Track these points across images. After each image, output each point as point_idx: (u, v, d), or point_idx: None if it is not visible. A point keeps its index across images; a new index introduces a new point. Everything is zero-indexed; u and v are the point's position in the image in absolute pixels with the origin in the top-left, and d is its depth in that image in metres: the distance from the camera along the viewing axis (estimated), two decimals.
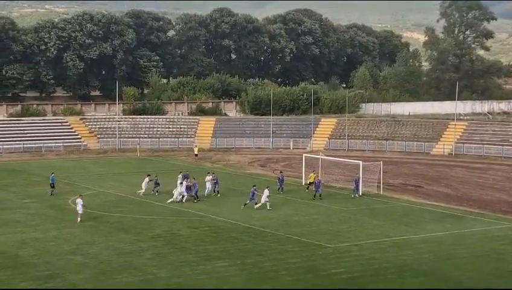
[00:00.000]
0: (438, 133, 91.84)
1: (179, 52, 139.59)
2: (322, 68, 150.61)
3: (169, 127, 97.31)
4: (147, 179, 56.04)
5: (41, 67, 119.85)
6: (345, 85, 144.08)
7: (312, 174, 58.93)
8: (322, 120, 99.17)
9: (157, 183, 56.19)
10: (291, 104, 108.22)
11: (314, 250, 38.64)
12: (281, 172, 61.70)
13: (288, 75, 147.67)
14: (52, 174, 57.07)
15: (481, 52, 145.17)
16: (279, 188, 57.67)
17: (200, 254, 37.31)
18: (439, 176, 69.88)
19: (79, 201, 45.62)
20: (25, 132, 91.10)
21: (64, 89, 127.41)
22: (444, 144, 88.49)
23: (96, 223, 44.97)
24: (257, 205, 49.97)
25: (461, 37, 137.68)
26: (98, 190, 57.98)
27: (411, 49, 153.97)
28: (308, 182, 58.84)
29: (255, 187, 51.44)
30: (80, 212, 45.12)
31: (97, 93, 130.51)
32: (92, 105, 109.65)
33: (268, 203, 49.87)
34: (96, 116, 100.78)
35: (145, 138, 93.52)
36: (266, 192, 50.27)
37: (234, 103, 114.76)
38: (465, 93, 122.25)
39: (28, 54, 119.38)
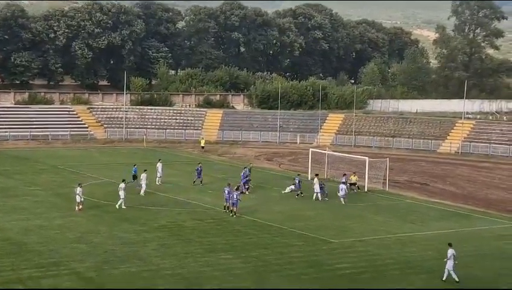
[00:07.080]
0: (445, 131, 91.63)
1: (188, 43, 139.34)
2: (330, 63, 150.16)
3: (176, 119, 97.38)
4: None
5: (50, 55, 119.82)
6: (353, 81, 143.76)
7: (353, 175, 57.06)
8: (329, 115, 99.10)
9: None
10: (299, 98, 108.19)
11: (319, 245, 38.62)
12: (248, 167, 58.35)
13: (297, 70, 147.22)
14: (135, 166, 55.59)
15: (491, 51, 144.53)
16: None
17: (204, 245, 37.32)
18: (446, 174, 69.75)
19: (77, 189, 45.49)
20: (32, 119, 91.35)
21: (72, 77, 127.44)
22: (451, 142, 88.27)
23: (101, 213, 45.02)
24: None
25: (471, 35, 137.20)
26: (103, 180, 58.03)
27: (420, 46, 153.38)
28: (349, 183, 56.03)
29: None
30: (78, 200, 45.05)
31: (105, 83, 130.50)
32: (100, 95, 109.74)
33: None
34: (103, 106, 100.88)
35: (152, 128, 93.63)
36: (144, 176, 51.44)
37: (242, 96, 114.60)
38: (473, 92, 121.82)
39: (37, 41, 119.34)
